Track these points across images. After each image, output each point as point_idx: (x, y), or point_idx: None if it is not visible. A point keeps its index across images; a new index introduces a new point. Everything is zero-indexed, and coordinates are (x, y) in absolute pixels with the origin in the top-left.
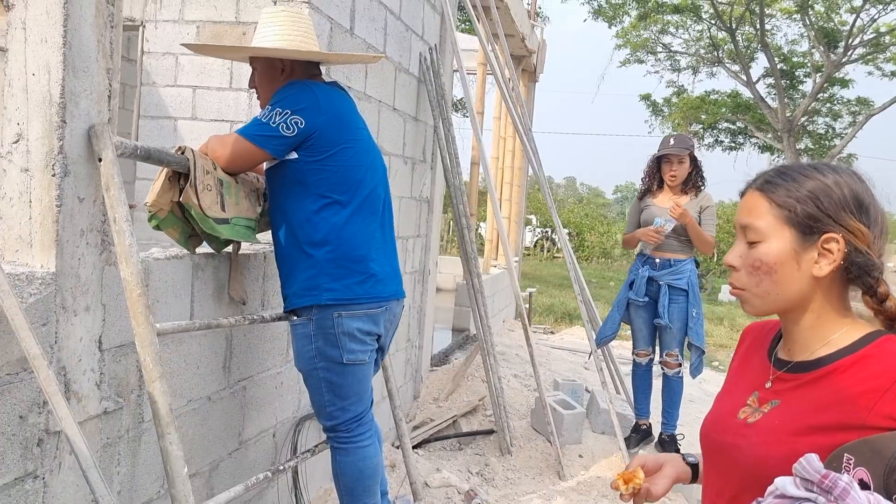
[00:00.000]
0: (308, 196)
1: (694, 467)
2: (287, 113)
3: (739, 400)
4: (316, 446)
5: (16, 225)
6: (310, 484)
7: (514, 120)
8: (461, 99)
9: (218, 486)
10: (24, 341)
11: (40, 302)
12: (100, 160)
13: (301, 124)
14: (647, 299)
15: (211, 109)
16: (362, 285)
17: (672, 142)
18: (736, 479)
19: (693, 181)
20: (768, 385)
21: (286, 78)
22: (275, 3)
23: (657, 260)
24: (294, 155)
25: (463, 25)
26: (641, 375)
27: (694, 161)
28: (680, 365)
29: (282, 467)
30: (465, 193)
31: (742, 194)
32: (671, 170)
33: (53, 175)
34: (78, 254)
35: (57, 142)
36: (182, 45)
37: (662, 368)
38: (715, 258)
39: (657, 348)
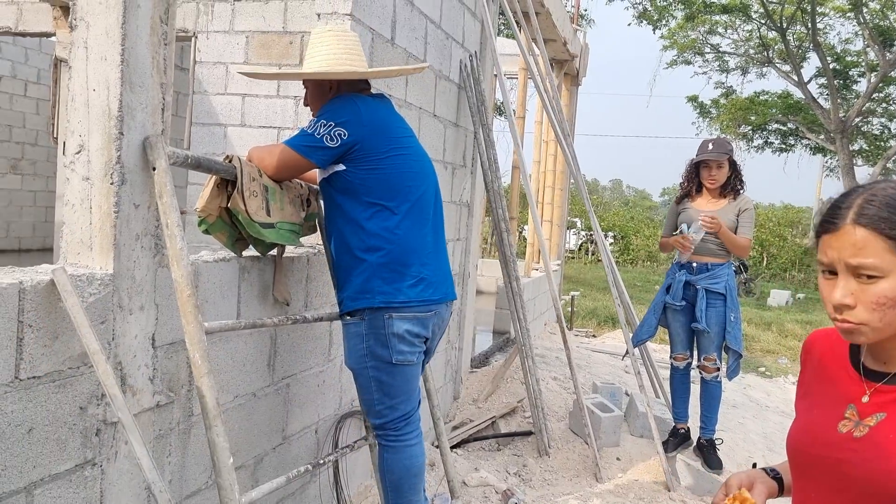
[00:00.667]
0: (358, 204)
1: (779, 481)
2: (331, 125)
3: (833, 413)
4: (355, 442)
5: (77, 229)
6: (350, 480)
7: (554, 125)
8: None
9: (262, 479)
10: (84, 337)
11: (99, 301)
12: (154, 169)
13: (344, 136)
14: (684, 303)
15: (259, 116)
16: (413, 288)
17: (711, 146)
18: (850, 496)
19: (732, 185)
20: (865, 399)
21: (333, 94)
22: (318, 17)
23: (694, 264)
24: (341, 166)
25: (506, 31)
26: (679, 379)
27: (733, 165)
28: (718, 369)
29: (322, 461)
30: (504, 198)
31: (830, 227)
32: (710, 175)
33: (112, 183)
34: (133, 256)
35: (115, 152)
36: (238, 72)
37: (700, 373)
38: (764, 262)
39: (695, 352)
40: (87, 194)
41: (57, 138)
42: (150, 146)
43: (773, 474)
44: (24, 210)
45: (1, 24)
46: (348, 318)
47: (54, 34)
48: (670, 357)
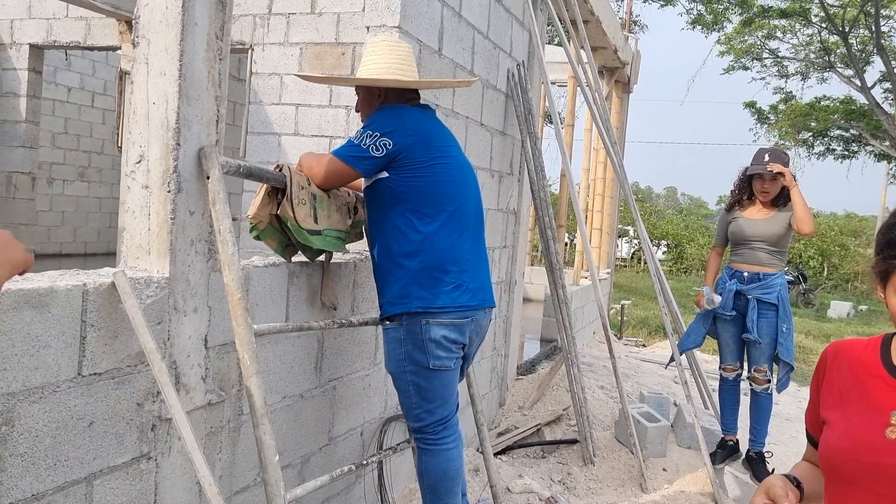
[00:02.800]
0: (400, 211)
1: (801, 489)
2: (376, 135)
3: (877, 420)
4: (398, 445)
5: (137, 235)
6: (395, 483)
7: (602, 134)
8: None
9: (308, 478)
10: (142, 337)
11: (156, 303)
12: (208, 178)
13: (389, 146)
14: (734, 313)
15: (312, 126)
16: (450, 294)
17: (767, 157)
18: None
19: (786, 196)
20: None
21: (381, 101)
22: (367, 29)
23: (745, 273)
24: (385, 174)
25: (556, 39)
26: (728, 390)
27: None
28: (769, 381)
29: (365, 462)
30: (550, 205)
31: (886, 260)
32: (762, 187)
33: (169, 191)
34: (188, 261)
35: (172, 162)
36: (295, 75)
37: (750, 384)
38: (825, 272)
39: (745, 363)
40: (146, 202)
41: (121, 147)
42: (204, 156)
43: (796, 483)
44: (89, 216)
45: (71, 38)
46: (387, 322)
47: (120, 48)
48: (720, 367)
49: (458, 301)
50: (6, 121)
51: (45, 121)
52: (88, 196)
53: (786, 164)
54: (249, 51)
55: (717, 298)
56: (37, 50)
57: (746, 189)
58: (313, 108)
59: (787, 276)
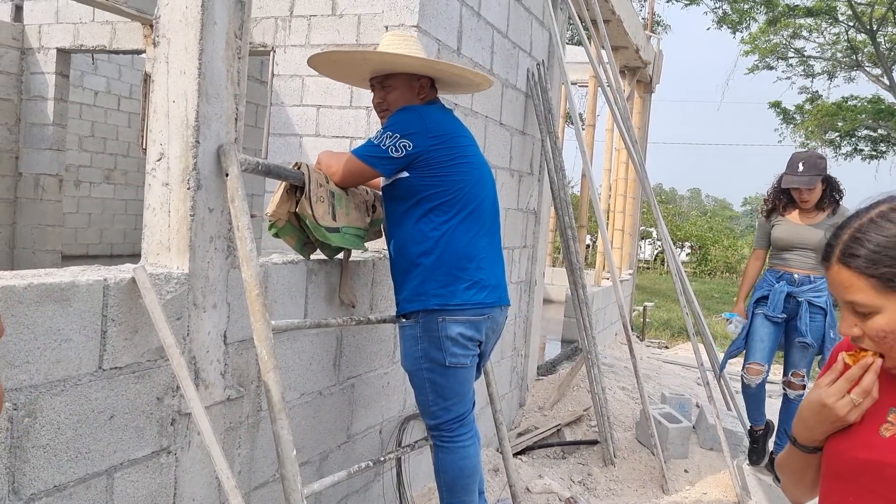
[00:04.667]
0: (418, 209)
1: None
2: (397, 136)
3: (875, 417)
4: (416, 442)
5: (157, 231)
6: (414, 481)
7: (623, 134)
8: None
9: (327, 475)
10: (161, 332)
11: (176, 299)
12: (227, 175)
13: (409, 147)
14: (783, 316)
15: (333, 127)
16: (466, 292)
17: (801, 168)
18: (892, 498)
19: (829, 198)
20: None
21: (421, 94)
22: (387, 29)
23: (796, 275)
24: (405, 174)
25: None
26: (754, 395)
27: (828, 180)
28: (804, 387)
29: (383, 458)
30: (570, 205)
31: (825, 265)
32: (802, 197)
33: (188, 188)
34: (207, 257)
35: (192, 159)
36: (311, 55)
37: (784, 388)
38: None
39: (769, 368)
40: (167, 199)
41: (146, 149)
42: (223, 153)
43: None
44: (115, 217)
45: (97, 42)
46: (404, 320)
47: (144, 51)
48: (742, 368)
49: (475, 298)
50: (34, 124)
51: (72, 124)
52: (114, 198)
53: (823, 170)
54: (271, 53)
55: (738, 328)
56: (64, 54)
57: (784, 197)
58: (334, 110)
59: None
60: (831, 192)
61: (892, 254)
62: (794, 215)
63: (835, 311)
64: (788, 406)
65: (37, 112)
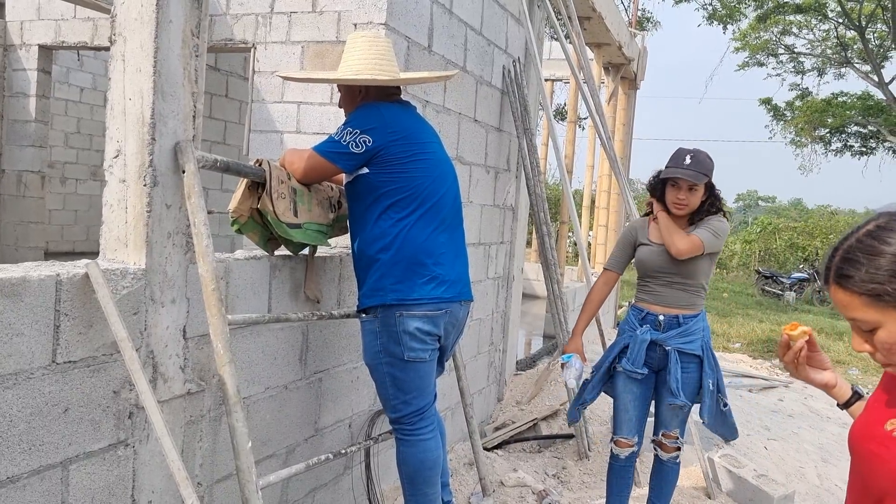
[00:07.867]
0: (378, 205)
1: (856, 395)
2: (356, 132)
3: (889, 411)
4: (380, 435)
5: (115, 227)
6: (385, 476)
7: (598, 129)
8: (563, 105)
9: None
10: (113, 326)
11: (132, 294)
12: (183, 172)
13: (369, 143)
14: (645, 371)
15: (313, 123)
16: (424, 287)
17: (688, 161)
18: (877, 489)
19: (706, 211)
20: None
21: (362, 99)
22: (355, 26)
23: (661, 317)
24: (365, 170)
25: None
26: (618, 472)
27: (710, 189)
28: (679, 448)
29: (344, 451)
30: (545, 201)
31: (825, 287)
32: (677, 197)
33: (145, 185)
34: (165, 253)
35: (148, 156)
36: (278, 75)
37: (655, 450)
38: None
39: (643, 434)
40: (124, 195)
41: None
42: (180, 151)
43: (858, 389)
44: (102, 214)
45: (78, 38)
46: (364, 315)
47: None
48: (611, 440)
49: (433, 293)
50: (16, 121)
51: (58, 121)
52: (101, 195)
53: (710, 172)
54: (252, 49)
55: (579, 380)
56: (46, 51)
57: (658, 193)
58: (314, 106)
59: (801, 274)
60: (711, 205)
61: (882, 270)
62: (656, 232)
63: (714, 356)
64: (661, 470)
65: (19, 109)
